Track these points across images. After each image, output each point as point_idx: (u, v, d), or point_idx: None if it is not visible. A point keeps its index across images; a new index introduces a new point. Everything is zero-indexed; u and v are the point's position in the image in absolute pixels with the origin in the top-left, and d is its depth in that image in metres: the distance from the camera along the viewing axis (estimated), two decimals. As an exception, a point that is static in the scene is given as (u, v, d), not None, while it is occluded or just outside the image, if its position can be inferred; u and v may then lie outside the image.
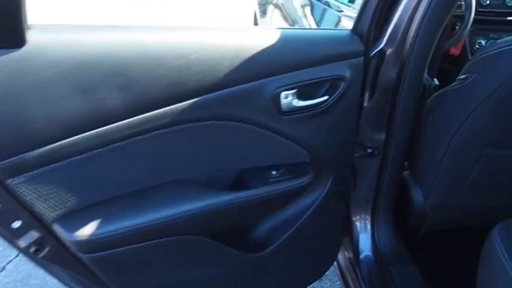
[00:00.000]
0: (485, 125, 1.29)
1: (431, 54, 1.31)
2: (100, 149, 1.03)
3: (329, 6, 2.28)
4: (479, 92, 1.25)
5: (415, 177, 1.57)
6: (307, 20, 2.45)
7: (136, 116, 1.03)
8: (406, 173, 1.61)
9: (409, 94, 1.35)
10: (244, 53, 1.09)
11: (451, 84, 1.35)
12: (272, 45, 1.13)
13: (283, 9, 2.83)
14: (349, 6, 2.13)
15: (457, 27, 1.95)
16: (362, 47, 1.24)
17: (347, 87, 1.23)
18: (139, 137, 1.05)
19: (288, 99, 1.16)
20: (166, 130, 1.07)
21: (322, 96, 1.21)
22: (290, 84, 1.16)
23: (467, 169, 1.40)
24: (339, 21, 2.12)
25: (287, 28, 1.30)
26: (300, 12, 2.60)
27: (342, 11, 2.14)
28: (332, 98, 1.22)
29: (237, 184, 1.22)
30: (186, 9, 6.61)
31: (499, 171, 1.41)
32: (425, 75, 1.45)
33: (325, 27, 2.20)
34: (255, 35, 1.14)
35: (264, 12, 3.20)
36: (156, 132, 1.07)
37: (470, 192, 1.47)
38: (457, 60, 2.14)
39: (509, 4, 2.15)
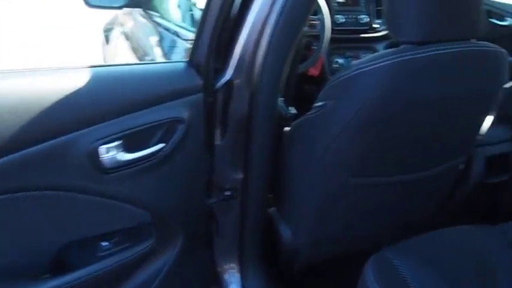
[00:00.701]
0: (348, 154, 1.19)
1: (283, 80, 1.20)
2: None
3: (177, 35, 2.09)
4: (338, 119, 1.14)
5: (281, 214, 1.44)
6: (153, 51, 2.24)
7: None
8: (272, 209, 1.47)
9: (264, 126, 1.23)
10: (46, 99, 0.85)
11: (309, 113, 1.23)
12: (85, 88, 0.90)
13: (129, 38, 2.60)
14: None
15: (313, 47, 1.86)
16: (200, 81, 1.06)
17: (187, 130, 1.05)
18: None
19: (111, 153, 0.94)
20: None
21: (156, 144, 1.01)
22: (112, 135, 0.95)
23: (334, 201, 1.30)
24: (187, 52, 1.94)
25: (106, 65, 1.08)
26: (146, 42, 2.38)
27: (190, 40, 1.96)
28: (169, 144, 1.02)
29: (57, 266, 0.96)
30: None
31: (367, 200, 1.33)
32: (281, 103, 1.31)
33: (160, 61, 1.99)
34: (61, 76, 0.90)
35: (107, 40, 2.94)
36: None
37: (340, 224, 1.38)
38: (317, 80, 2.07)
39: (361, 22, 2.13)
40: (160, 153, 1.02)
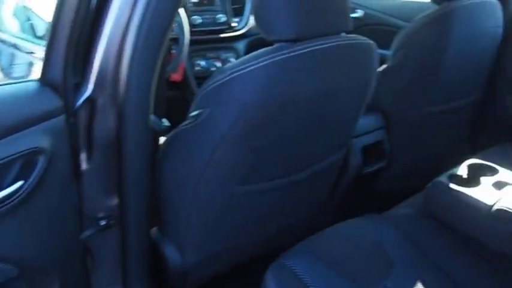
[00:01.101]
0: (232, 163, 1.13)
1: (153, 92, 1.08)
2: None
3: (17, 48, 1.83)
4: (216, 129, 1.07)
5: (166, 235, 1.33)
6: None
7: None
8: (154, 230, 1.35)
9: (135, 143, 1.11)
10: None
11: (183, 123, 1.14)
12: None
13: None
14: (40, 45, 1.71)
15: (173, 51, 1.76)
16: (59, 102, 0.91)
17: (49, 161, 0.89)
18: None
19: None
20: None
21: (12, 183, 0.84)
22: None
23: (222, 213, 1.23)
24: (32, 67, 1.70)
25: None
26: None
27: (33, 53, 1.72)
28: (30, 181, 0.86)
29: None
30: None
31: (256, 207, 1.28)
32: (152, 116, 1.20)
33: (3, 82, 1.74)
34: None
35: None
36: None
37: (231, 236, 1.31)
38: (181, 85, 1.97)
39: (219, 21, 2.08)
40: (18, 193, 0.86)
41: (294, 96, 1.06)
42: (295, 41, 1.05)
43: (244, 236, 1.34)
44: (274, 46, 1.06)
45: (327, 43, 1.08)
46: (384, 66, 1.60)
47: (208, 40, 2.07)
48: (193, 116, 1.09)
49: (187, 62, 1.97)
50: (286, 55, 1.02)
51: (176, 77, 1.88)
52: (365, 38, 1.18)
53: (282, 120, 1.08)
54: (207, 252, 1.30)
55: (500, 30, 1.71)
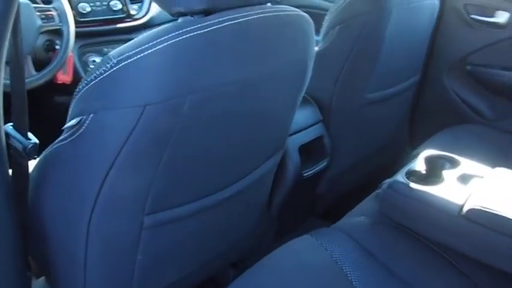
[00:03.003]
0: (133, 188, 0.83)
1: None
2: None
3: None
4: (106, 140, 0.77)
5: None
6: None
7: None
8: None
9: None
10: None
11: (59, 138, 0.83)
12: None
13: None
14: None
15: (57, 47, 1.42)
16: None
17: None
18: None
19: None
20: None
21: None
22: None
23: (131, 252, 0.91)
24: None
25: None
26: None
27: None
28: None
29: None
30: None
31: (176, 236, 0.98)
32: (14, 132, 0.85)
33: None
34: None
35: None
36: None
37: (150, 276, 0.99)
38: (71, 89, 1.61)
39: (114, 9, 1.73)
40: None
41: (211, 89, 0.77)
42: (206, 13, 0.77)
43: (168, 272, 1.04)
44: (177, 22, 0.77)
45: (249, 15, 0.80)
46: (316, 49, 1.36)
47: (102, 32, 1.71)
48: (70, 127, 0.77)
49: (77, 59, 1.61)
50: (196, 32, 0.73)
51: (64, 78, 1.54)
52: (296, 9, 0.91)
53: (200, 123, 0.79)
54: None
55: (436, 7, 1.55)
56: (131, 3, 1.78)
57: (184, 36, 0.72)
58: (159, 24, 1.80)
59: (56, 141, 0.82)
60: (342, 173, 1.52)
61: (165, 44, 0.71)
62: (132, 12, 1.77)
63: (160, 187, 0.83)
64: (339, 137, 1.45)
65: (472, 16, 1.68)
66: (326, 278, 0.96)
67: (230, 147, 0.91)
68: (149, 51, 0.71)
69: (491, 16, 1.64)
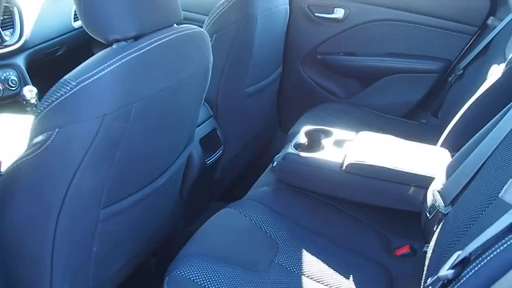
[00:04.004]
0: (94, 186, 0.97)
1: None
2: None
3: None
4: (72, 150, 0.90)
5: None
6: None
7: None
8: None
9: None
10: None
11: (23, 154, 0.93)
12: None
13: None
14: None
15: None
16: None
17: None
18: None
19: None
20: None
21: None
22: None
23: (86, 250, 1.05)
24: None
25: None
26: None
27: None
28: None
29: None
30: None
31: (123, 225, 1.13)
32: None
33: None
34: None
35: None
36: None
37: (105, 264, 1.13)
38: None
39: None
40: None
41: (150, 97, 0.96)
42: (135, 38, 0.95)
43: (118, 258, 1.19)
44: (114, 47, 0.93)
45: (168, 36, 1.00)
46: None
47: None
48: (36, 144, 0.89)
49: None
50: (134, 54, 0.91)
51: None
52: (196, 26, 1.13)
53: (142, 125, 0.97)
54: None
55: (287, 7, 1.86)
56: (3, 30, 1.80)
57: (126, 59, 0.89)
58: (33, 47, 1.86)
59: (19, 157, 0.92)
60: (233, 158, 1.75)
61: (114, 65, 0.87)
62: (6, 38, 1.79)
63: (113, 183, 0.98)
64: (228, 127, 1.68)
65: (316, 14, 2.01)
66: (252, 236, 1.17)
67: (161, 143, 1.09)
68: (102, 72, 0.86)
69: (331, 13, 1.99)
